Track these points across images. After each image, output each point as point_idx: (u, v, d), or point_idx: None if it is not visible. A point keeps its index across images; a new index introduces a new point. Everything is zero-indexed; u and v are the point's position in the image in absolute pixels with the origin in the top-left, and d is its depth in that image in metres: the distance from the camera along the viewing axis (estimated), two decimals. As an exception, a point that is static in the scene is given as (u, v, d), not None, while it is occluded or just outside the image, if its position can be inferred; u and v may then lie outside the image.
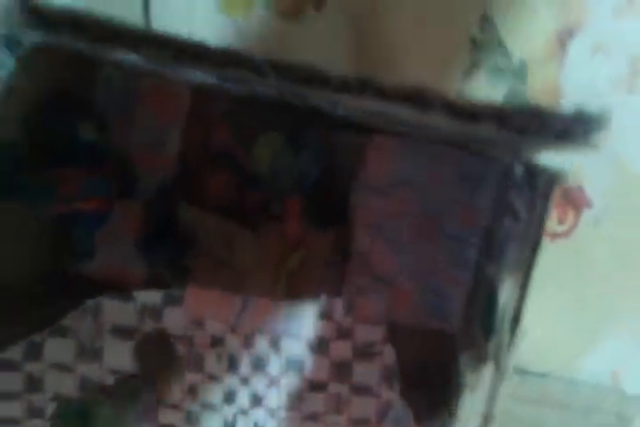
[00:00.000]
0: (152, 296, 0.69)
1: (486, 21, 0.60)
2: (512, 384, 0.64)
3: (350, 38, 0.65)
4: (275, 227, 0.64)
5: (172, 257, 0.64)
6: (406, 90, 0.40)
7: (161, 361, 0.67)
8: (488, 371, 0.54)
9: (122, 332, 0.67)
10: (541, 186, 0.47)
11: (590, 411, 0.64)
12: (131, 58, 0.44)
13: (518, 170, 0.50)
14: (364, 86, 0.40)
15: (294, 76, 0.41)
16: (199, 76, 0.47)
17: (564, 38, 0.58)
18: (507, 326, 0.50)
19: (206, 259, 0.64)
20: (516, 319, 0.49)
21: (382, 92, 0.40)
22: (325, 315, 0.69)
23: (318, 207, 0.62)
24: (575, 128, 0.42)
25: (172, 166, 0.65)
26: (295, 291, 0.67)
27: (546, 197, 0.47)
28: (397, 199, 0.64)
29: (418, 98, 0.40)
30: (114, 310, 0.67)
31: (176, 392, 0.73)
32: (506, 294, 0.52)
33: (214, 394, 0.73)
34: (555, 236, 0.64)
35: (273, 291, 0.66)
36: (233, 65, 0.42)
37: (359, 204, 0.63)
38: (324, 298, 0.68)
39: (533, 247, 0.48)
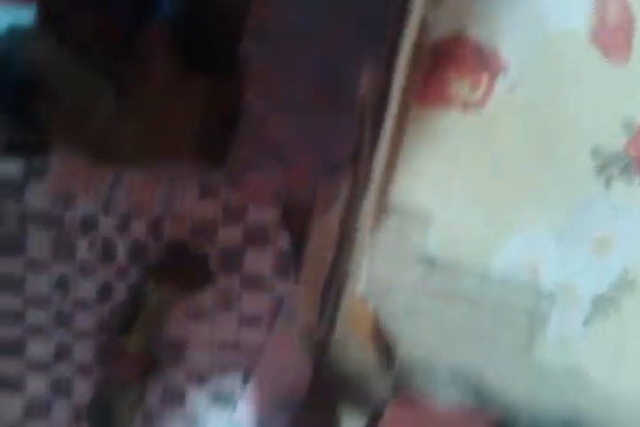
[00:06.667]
0: (12, 168, 0.61)
1: None
2: (417, 276, 0.58)
3: None
4: (140, 71, 0.54)
5: (12, 103, 0.54)
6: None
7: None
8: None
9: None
10: None
11: (501, 308, 0.57)
12: None
13: None
14: None
15: None
16: None
17: None
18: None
19: (65, 118, 0.55)
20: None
21: None
22: (209, 192, 0.60)
23: (194, 49, 0.53)
24: None
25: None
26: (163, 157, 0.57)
27: None
28: (291, 54, 0.55)
29: None
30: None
31: (43, 286, 0.65)
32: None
33: (87, 289, 0.65)
34: (467, 105, 0.56)
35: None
36: None
37: (248, 56, 0.54)
38: (206, 173, 0.60)
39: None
